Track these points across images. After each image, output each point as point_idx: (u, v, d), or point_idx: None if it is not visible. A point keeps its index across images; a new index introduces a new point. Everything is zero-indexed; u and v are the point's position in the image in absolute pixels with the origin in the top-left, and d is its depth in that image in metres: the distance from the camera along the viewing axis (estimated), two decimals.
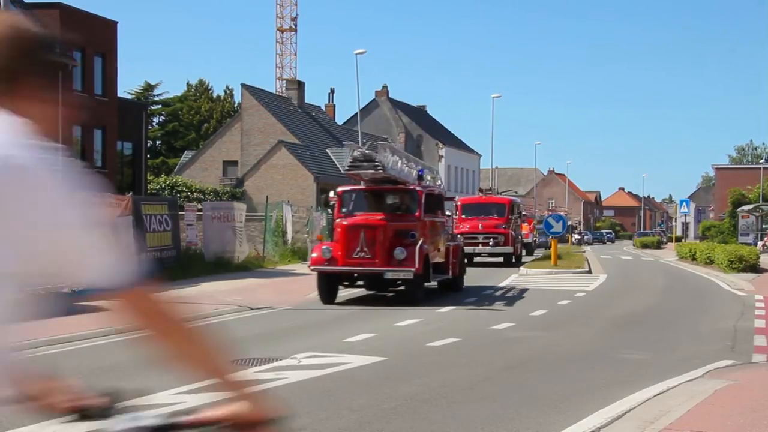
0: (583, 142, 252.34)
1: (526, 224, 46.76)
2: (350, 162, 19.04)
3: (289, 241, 35.44)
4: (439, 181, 23.69)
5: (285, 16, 75.90)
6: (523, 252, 41.58)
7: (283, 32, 76.02)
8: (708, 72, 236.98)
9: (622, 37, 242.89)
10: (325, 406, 8.32)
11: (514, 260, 35.46)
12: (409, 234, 18.22)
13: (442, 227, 20.97)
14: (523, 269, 31.88)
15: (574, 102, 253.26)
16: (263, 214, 33.45)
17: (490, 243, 34.48)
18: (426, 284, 19.09)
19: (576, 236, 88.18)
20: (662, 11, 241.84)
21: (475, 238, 34.37)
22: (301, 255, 33.94)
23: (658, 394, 8.97)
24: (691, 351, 12.46)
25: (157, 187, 48.71)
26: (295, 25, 76.05)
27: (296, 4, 75.86)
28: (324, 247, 18.41)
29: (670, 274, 33.70)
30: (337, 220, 18.91)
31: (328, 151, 58.27)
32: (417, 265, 17.74)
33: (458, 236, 25.97)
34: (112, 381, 9.55)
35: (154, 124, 79.93)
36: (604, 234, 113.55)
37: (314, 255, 18.58)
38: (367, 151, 19.07)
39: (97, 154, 38.43)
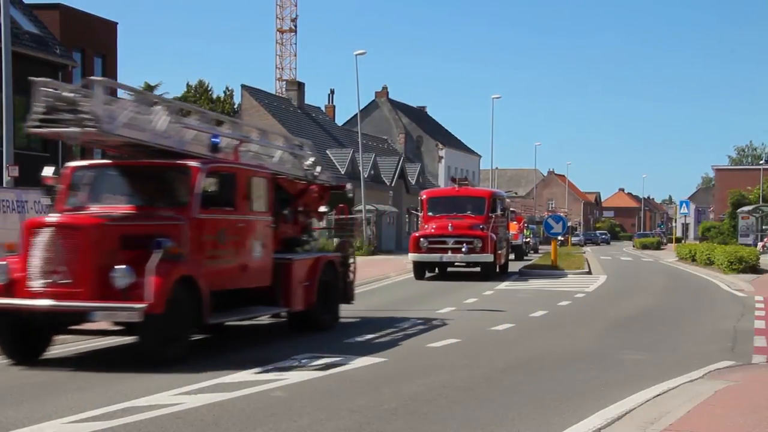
0: (583, 143, 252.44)
1: (514, 223, 41.66)
2: (40, 110, 10.85)
3: None
4: (309, 159, 15.33)
5: (285, 17, 76.01)
6: (512, 256, 35.57)
7: (282, 33, 76.09)
8: (708, 72, 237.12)
9: (622, 37, 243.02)
10: (325, 407, 8.32)
11: (498, 269, 27.95)
12: (155, 242, 10.54)
13: (264, 227, 12.66)
14: (523, 270, 31.86)
15: (574, 102, 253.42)
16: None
17: (463, 249, 26.02)
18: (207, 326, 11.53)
19: (560, 238, 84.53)
20: (662, 11, 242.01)
21: (443, 243, 26.37)
22: None
23: (658, 395, 8.97)
24: (691, 352, 12.46)
25: None
26: (295, 26, 76.16)
27: (296, 5, 76.01)
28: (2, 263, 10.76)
29: (670, 274, 33.71)
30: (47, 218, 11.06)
31: (327, 152, 58.26)
32: (153, 299, 10.12)
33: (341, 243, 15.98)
34: (110, 382, 9.54)
35: None
36: (598, 235, 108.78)
37: None
38: (65, 94, 10.93)
39: (98, 155, 38.39)
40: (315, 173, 15.38)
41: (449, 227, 26.53)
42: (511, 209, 42.80)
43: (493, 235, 26.77)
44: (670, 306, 19.88)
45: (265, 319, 13.87)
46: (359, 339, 13.06)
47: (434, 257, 26.51)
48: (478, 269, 27.02)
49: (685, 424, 7.59)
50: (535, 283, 25.83)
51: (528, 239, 51.23)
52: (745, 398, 8.91)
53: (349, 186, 16.89)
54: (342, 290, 14.99)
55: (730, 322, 16.34)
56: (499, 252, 27.80)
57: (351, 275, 15.54)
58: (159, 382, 9.43)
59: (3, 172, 21.84)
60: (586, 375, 10.41)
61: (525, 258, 42.98)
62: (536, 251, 56.07)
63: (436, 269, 28.20)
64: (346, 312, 16.10)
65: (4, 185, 21.24)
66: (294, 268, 13.25)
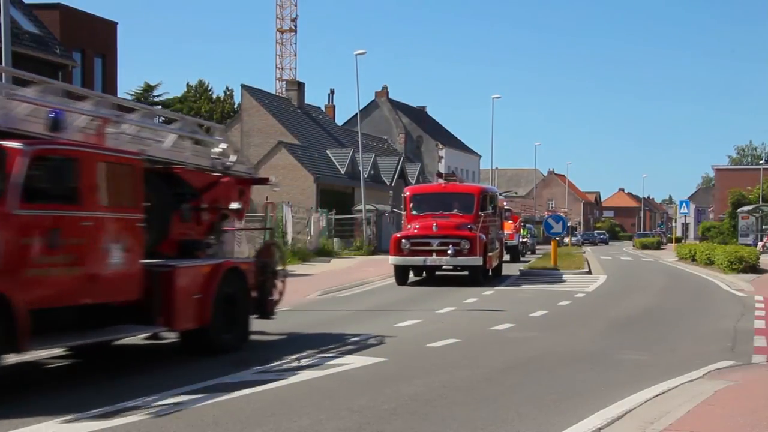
0: (583, 143, 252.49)
1: (510, 222, 39.13)
2: None
3: (289, 242, 35.44)
4: (219, 147, 13.07)
5: (285, 17, 76.04)
6: (507, 257, 34.92)
7: (282, 33, 76.11)
8: (708, 72, 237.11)
9: (622, 37, 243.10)
10: (325, 407, 8.32)
11: (489, 273, 26.18)
12: None
13: (127, 227, 10.14)
14: (523, 269, 31.85)
15: (574, 102, 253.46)
16: (263, 214, 33.48)
17: (449, 251, 23.38)
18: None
19: (557, 238, 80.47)
20: (662, 11, 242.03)
21: (427, 244, 23.76)
22: (301, 256, 33.96)
23: (658, 395, 8.98)
24: (691, 351, 12.46)
25: None
26: (295, 26, 76.19)
27: (296, 5, 76.04)
28: None
29: (670, 274, 33.71)
30: None
31: (328, 151, 58.32)
32: None
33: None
34: (109, 382, 9.53)
35: None
36: (596, 235, 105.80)
37: None
38: None
39: None
40: (227, 163, 12.98)
41: (434, 227, 23.79)
42: (507, 208, 40.60)
43: (483, 236, 24.10)
44: (670, 306, 19.88)
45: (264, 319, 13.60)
46: (359, 338, 13.06)
47: (417, 260, 23.90)
48: (466, 273, 24.66)
49: (685, 424, 7.59)
50: (535, 283, 25.83)
51: (525, 239, 47.99)
52: (745, 398, 8.92)
53: (273, 179, 15.06)
54: (257, 303, 12.54)
55: (730, 322, 16.35)
56: (490, 254, 25.18)
57: (276, 285, 13.34)
58: (159, 382, 9.44)
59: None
60: (586, 375, 10.41)
61: (521, 260, 40.17)
62: (533, 252, 53.60)
63: (424, 273, 26.17)
64: (347, 311, 16.13)
65: None
66: (176, 277, 10.64)
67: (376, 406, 8.44)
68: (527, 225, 58.45)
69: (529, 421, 7.94)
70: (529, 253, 51.12)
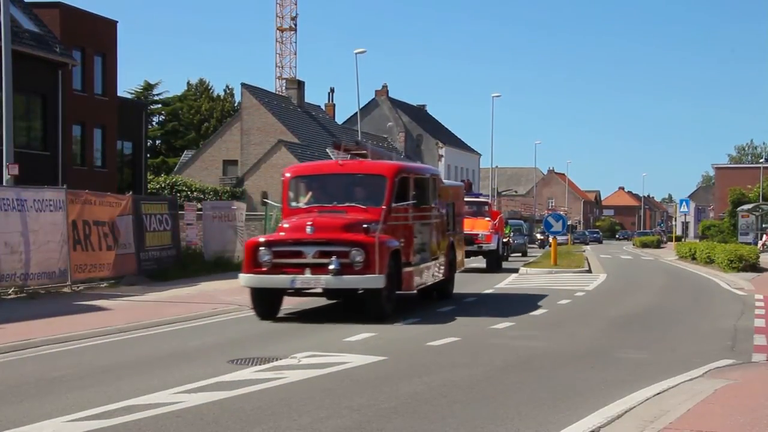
0: (583, 141, 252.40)
1: (487, 220, 31.12)
2: None
3: None
4: None
5: (285, 16, 75.99)
6: (483, 263, 30.64)
7: (282, 32, 76.07)
8: (708, 72, 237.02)
9: (621, 36, 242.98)
10: (325, 406, 8.32)
11: (416, 293, 17.63)
12: None
13: None
14: (523, 269, 31.87)
15: (574, 101, 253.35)
16: (263, 213, 33.50)
17: (331, 266, 14.73)
18: None
19: (539, 236, 71.42)
20: (662, 11, 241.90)
21: (298, 255, 15.09)
22: None
23: (658, 394, 8.97)
24: (691, 350, 12.46)
25: (157, 186, 48.75)
26: (295, 25, 76.14)
27: (296, 4, 76.03)
28: None
29: (670, 273, 33.72)
30: None
31: (327, 150, 58.30)
32: None
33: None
34: (110, 381, 9.56)
35: (154, 123, 79.93)
36: (588, 234, 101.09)
37: None
38: None
39: (97, 154, 38.44)
40: None
41: (307, 227, 14.99)
42: (484, 200, 33.39)
43: (392, 242, 15.35)
44: (670, 304, 19.88)
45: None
46: (359, 338, 13.05)
47: (280, 281, 14.93)
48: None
49: (684, 423, 7.59)
50: (535, 282, 25.82)
51: (508, 239, 39.63)
52: (745, 397, 8.91)
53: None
54: None
55: (730, 320, 16.34)
56: (409, 269, 16.15)
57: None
58: (159, 380, 9.44)
59: (3, 170, 21.81)
60: (586, 373, 10.41)
61: (503, 267, 32.17)
62: (524, 254, 47.62)
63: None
64: (347, 311, 16.12)
65: (5, 184, 21.24)
66: None
67: (376, 404, 8.45)
68: (513, 222, 53.51)
69: (529, 419, 7.94)
70: (520, 255, 45.94)
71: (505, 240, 36.68)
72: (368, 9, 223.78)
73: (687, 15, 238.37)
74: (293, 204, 16.64)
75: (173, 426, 7.50)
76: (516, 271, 25.02)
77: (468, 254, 28.04)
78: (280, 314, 15.81)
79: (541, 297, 20.55)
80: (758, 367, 11.25)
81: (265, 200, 30.48)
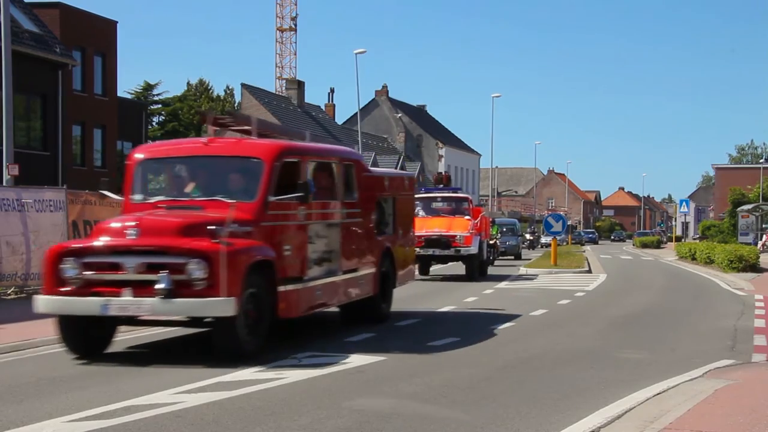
0: (583, 141, 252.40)
1: (466, 218, 26.31)
2: None
3: None
4: None
5: (285, 16, 75.99)
6: (460, 269, 26.78)
7: (282, 32, 76.08)
8: (708, 72, 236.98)
9: (622, 36, 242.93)
10: (325, 406, 8.32)
11: (257, 334, 11.17)
12: None
13: None
14: (523, 269, 31.88)
15: (574, 101, 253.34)
16: None
17: (159, 284, 10.36)
18: None
19: (528, 236, 66.56)
20: (662, 11, 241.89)
21: (116, 268, 10.70)
22: None
23: (658, 394, 8.97)
24: (691, 350, 12.46)
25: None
26: (295, 25, 76.13)
27: (296, 4, 76.00)
28: None
29: (670, 273, 33.72)
30: None
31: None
32: None
33: None
34: (110, 380, 9.55)
35: (153, 123, 79.90)
36: (583, 234, 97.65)
37: None
38: None
39: (97, 154, 38.49)
40: None
41: (129, 231, 10.84)
42: (464, 196, 28.53)
43: (254, 251, 11.06)
44: (669, 305, 19.88)
45: None
46: (359, 338, 13.06)
47: (86, 306, 10.69)
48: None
49: (684, 423, 7.59)
50: (535, 282, 25.82)
51: (495, 241, 35.47)
52: (745, 397, 8.91)
53: None
54: None
55: (730, 320, 16.34)
56: (293, 288, 11.83)
57: None
58: (159, 380, 9.44)
59: (3, 170, 21.81)
60: (586, 374, 10.41)
61: (488, 274, 27.77)
62: (518, 257, 43.13)
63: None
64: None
65: (5, 184, 21.24)
66: None
67: (376, 405, 8.45)
68: (504, 221, 49.24)
69: (529, 419, 7.94)
70: (512, 258, 42.09)
71: (492, 242, 33.26)
72: (368, 9, 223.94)
73: (687, 15, 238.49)
74: (136, 197, 12.08)
75: (173, 426, 7.50)
76: (504, 278, 24.34)
77: (445, 259, 26.19)
78: None
79: (541, 297, 20.51)
80: (758, 367, 11.25)
81: (104, 192, 21.86)
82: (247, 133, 13.18)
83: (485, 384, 9.72)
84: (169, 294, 10.32)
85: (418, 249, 23.20)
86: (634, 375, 10.28)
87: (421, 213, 25.77)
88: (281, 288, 11.47)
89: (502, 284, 24.78)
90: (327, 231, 13.10)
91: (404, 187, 16.70)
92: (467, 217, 26.38)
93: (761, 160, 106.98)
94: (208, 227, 10.73)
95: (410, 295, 21.07)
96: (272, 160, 11.89)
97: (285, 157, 12.17)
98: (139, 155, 12.70)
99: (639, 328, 15.16)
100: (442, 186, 28.55)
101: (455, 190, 29.02)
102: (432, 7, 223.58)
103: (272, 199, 11.67)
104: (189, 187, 12.12)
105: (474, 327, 14.69)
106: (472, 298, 20.14)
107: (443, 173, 30.14)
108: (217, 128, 13.10)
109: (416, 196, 26.39)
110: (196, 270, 10.37)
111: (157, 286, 10.34)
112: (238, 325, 10.60)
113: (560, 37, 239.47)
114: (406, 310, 17.07)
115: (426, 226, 25.05)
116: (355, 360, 10.96)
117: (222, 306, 10.33)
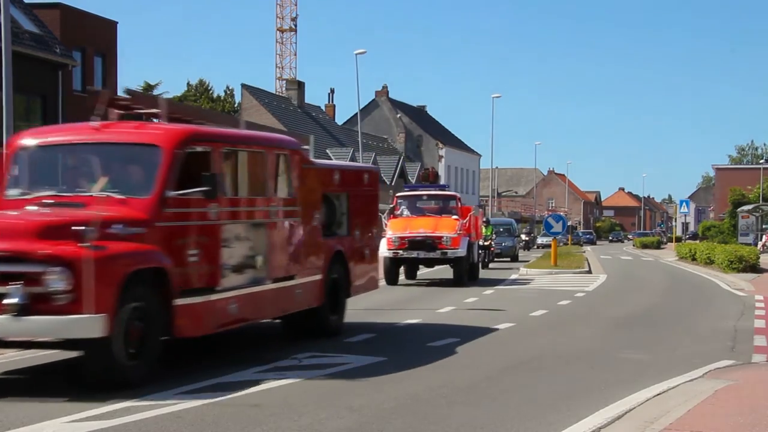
0: (583, 142, 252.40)
1: (453, 218, 24.24)
2: None
3: None
4: None
5: (285, 16, 75.98)
6: (447, 273, 24.85)
7: (282, 32, 76.07)
8: (708, 72, 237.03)
9: (622, 36, 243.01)
10: (325, 406, 8.32)
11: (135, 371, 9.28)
12: None
13: None
14: (523, 269, 31.88)
15: (575, 102, 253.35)
16: None
17: (12, 298, 8.48)
18: None
19: (524, 236, 62.57)
20: (662, 11, 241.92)
21: None
22: None
23: (658, 394, 8.98)
24: (691, 351, 12.46)
25: None
26: (295, 25, 76.12)
27: (296, 4, 75.98)
28: None
29: (670, 274, 33.73)
30: None
31: (327, 151, 58.31)
32: None
33: None
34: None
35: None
36: (581, 235, 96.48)
37: None
38: None
39: None
40: None
41: None
42: (451, 193, 26.45)
43: (133, 257, 9.19)
44: (670, 305, 19.88)
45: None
46: (359, 338, 13.05)
47: None
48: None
49: (685, 424, 7.59)
50: (535, 282, 25.82)
51: (489, 242, 33.62)
52: (745, 397, 8.91)
53: None
54: None
55: (730, 321, 16.35)
56: (197, 300, 9.93)
57: None
58: (160, 381, 9.43)
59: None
60: (586, 374, 10.42)
61: (479, 278, 26.06)
62: (514, 258, 41.34)
63: None
64: (346, 311, 16.07)
65: None
66: None
67: (376, 405, 8.45)
68: (499, 220, 47.41)
69: (529, 420, 7.94)
70: (508, 260, 40.64)
71: (486, 243, 31.90)
72: (368, 9, 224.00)
73: (687, 15, 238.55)
74: (11, 192, 10.20)
75: (173, 426, 7.50)
76: (498, 282, 24.04)
77: (431, 263, 24.56)
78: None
79: (541, 297, 20.47)
80: (758, 367, 11.26)
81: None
82: (156, 117, 11.22)
83: (485, 384, 9.72)
84: (23, 310, 8.41)
85: (401, 251, 22.58)
86: (635, 375, 10.28)
87: (405, 212, 24.61)
88: (179, 301, 9.53)
89: (503, 284, 24.76)
90: (251, 232, 11.01)
91: (363, 182, 14.52)
92: (455, 217, 24.33)
93: (761, 161, 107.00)
94: (73, 228, 8.72)
95: (410, 296, 21.08)
96: (173, 148, 9.90)
97: (191, 145, 10.13)
98: (19, 142, 10.68)
99: (639, 329, 15.16)
100: (428, 183, 27.07)
101: (442, 188, 27.18)
102: (432, 7, 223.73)
103: (171, 194, 9.68)
104: (82, 181, 10.22)
105: (474, 327, 14.69)
106: (472, 298, 20.14)
107: (429, 169, 28.36)
108: (121, 111, 11.07)
109: (400, 194, 26.01)
110: (55, 281, 8.49)
111: (6, 301, 8.44)
112: (114, 348, 8.78)
113: (560, 38, 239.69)
114: (406, 310, 17.08)
115: (410, 226, 23.61)
116: (355, 360, 10.96)
117: (87, 325, 8.48)
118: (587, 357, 11.80)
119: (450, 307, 18.02)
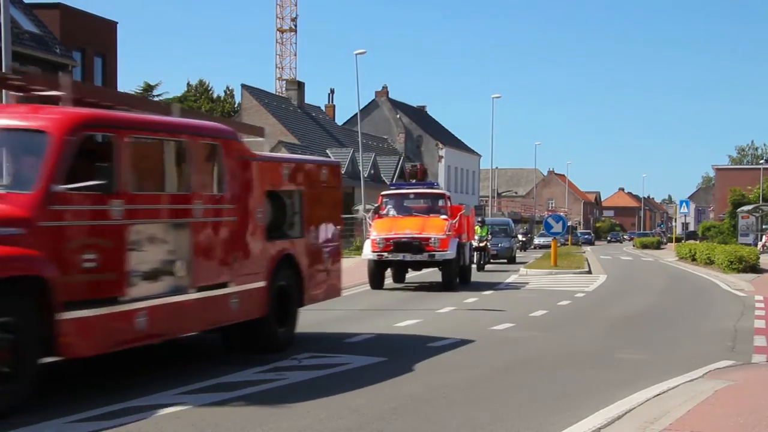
0: (583, 142, 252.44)
1: (442, 217, 22.65)
2: None
3: None
4: None
5: (285, 17, 76.02)
6: (436, 277, 23.50)
7: (282, 32, 76.09)
8: (708, 72, 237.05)
9: (621, 37, 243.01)
10: (325, 406, 8.32)
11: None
12: None
13: None
14: (522, 269, 31.89)
15: (574, 102, 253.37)
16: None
17: None
18: None
19: (520, 236, 60.28)
20: (662, 11, 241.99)
21: None
22: None
23: (658, 395, 8.98)
24: (691, 351, 12.47)
25: None
26: (295, 26, 76.15)
27: (296, 5, 76.01)
28: None
29: (670, 274, 33.73)
30: None
31: (327, 151, 58.31)
32: None
33: None
34: (111, 381, 9.54)
35: None
36: (579, 235, 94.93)
37: None
38: None
39: None
40: None
41: None
42: (441, 192, 24.48)
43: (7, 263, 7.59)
44: (670, 305, 19.89)
45: None
46: (359, 339, 13.06)
47: None
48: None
49: (685, 424, 7.59)
50: (535, 283, 25.83)
51: (485, 243, 32.39)
52: (746, 398, 8.92)
53: None
54: None
55: (730, 321, 16.35)
56: (90, 313, 8.33)
57: None
58: (159, 382, 9.43)
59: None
60: (586, 374, 10.42)
61: (471, 281, 24.87)
62: (511, 260, 39.65)
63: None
64: (346, 311, 16.11)
65: None
66: None
67: (376, 405, 8.45)
68: (495, 220, 45.63)
69: (529, 420, 7.94)
70: (505, 261, 38.88)
71: (481, 244, 31.04)
72: (368, 10, 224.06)
73: (687, 15, 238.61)
74: None
75: (174, 427, 7.50)
76: (492, 286, 23.87)
77: (418, 266, 22.70)
78: None
79: (541, 298, 20.48)
80: (758, 368, 11.26)
81: None
82: (58, 100, 9.47)
83: (485, 384, 9.72)
84: None
85: (386, 254, 21.61)
86: (635, 376, 10.28)
87: (392, 212, 23.13)
88: (65, 315, 8.01)
89: (502, 285, 24.76)
90: (168, 234, 9.50)
91: (320, 177, 12.85)
92: (443, 217, 22.66)
93: (761, 161, 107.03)
94: None
95: (410, 296, 21.09)
96: (64, 134, 8.31)
97: (87, 130, 8.62)
98: None
99: (639, 329, 15.16)
100: (415, 181, 25.34)
101: (430, 186, 25.08)
102: (432, 7, 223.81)
103: (60, 188, 8.11)
104: None
105: (474, 327, 14.69)
106: (472, 299, 20.14)
107: (417, 165, 26.43)
108: (18, 93, 9.76)
109: (385, 192, 24.25)
110: None
111: None
112: None
113: (561, 38, 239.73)
114: (406, 310, 17.08)
115: (395, 227, 22.09)
116: (355, 361, 10.96)
117: None
118: (587, 357, 11.80)
119: (450, 307, 18.02)
